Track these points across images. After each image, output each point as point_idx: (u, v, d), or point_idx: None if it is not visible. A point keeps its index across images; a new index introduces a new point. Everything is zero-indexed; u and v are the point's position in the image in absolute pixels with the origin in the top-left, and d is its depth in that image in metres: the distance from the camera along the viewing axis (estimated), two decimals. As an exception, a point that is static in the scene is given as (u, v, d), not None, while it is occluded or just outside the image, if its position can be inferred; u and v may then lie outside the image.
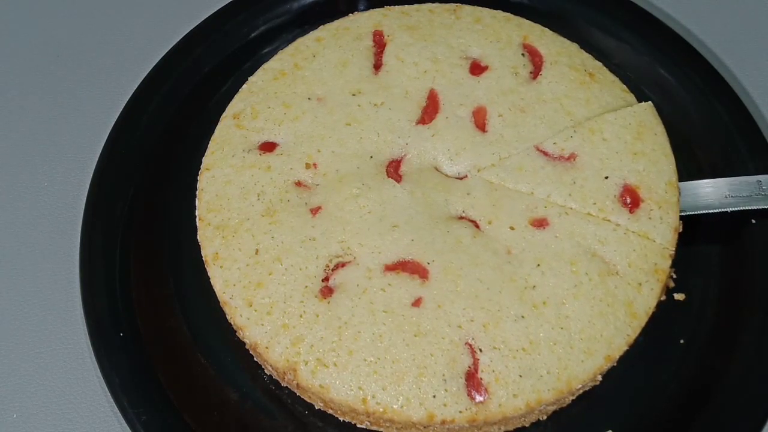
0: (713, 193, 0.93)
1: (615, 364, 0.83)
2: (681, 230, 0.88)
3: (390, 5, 1.02)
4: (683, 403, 0.87)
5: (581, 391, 0.86)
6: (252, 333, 0.82)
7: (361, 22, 1.00)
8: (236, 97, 0.96)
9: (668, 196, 0.87)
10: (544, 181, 0.88)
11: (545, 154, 0.90)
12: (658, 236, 0.85)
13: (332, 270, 0.83)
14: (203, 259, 0.87)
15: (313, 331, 0.80)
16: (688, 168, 0.99)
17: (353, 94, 0.94)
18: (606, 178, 0.87)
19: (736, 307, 0.92)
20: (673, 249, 0.86)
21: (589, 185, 0.87)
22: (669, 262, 0.86)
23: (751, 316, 0.90)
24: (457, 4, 1.02)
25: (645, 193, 0.87)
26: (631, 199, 0.87)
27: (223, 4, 1.11)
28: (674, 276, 0.91)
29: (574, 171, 0.88)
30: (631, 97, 0.95)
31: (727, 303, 0.92)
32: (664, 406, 0.87)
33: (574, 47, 0.99)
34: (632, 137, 0.90)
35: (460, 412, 0.77)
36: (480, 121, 0.93)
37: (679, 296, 0.92)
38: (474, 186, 0.88)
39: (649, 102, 0.93)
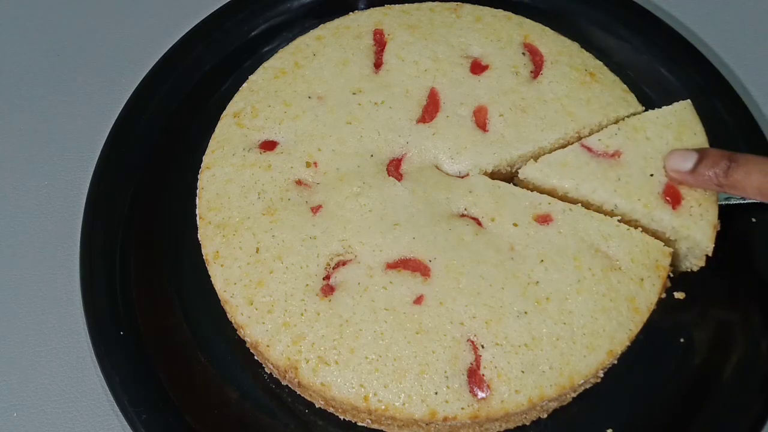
0: None
1: (616, 362, 0.83)
2: (719, 228, 0.88)
3: (390, 4, 1.02)
4: (683, 402, 0.87)
5: (582, 388, 0.86)
6: (253, 331, 0.82)
7: (362, 21, 1.00)
8: (236, 96, 0.96)
9: (708, 195, 0.88)
10: (589, 177, 0.88)
11: (589, 150, 0.90)
12: (698, 232, 0.86)
13: (333, 268, 0.83)
14: (204, 257, 0.86)
15: (315, 329, 0.80)
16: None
17: (354, 93, 0.94)
18: (651, 175, 0.88)
19: (736, 306, 0.92)
20: (712, 246, 0.87)
21: (633, 182, 0.88)
22: (669, 259, 0.86)
23: (751, 315, 0.90)
24: (458, 3, 1.02)
25: (685, 191, 0.88)
26: (672, 197, 0.87)
27: (223, 3, 1.11)
28: (671, 275, 0.91)
29: (619, 168, 0.89)
30: (632, 97, 0.95)
31: (727, 302, 0.92)
32: (664, 405, 0.87)
33: (574, 47, 0.99)
34: (673, 137, 0.90)
35: (462, 408, 0.77)
36: (481, 120, 0.93)
37: (678, 295, 0.92)
38: (476, 184, 0.88)
39: (688, 101, 0.94)
